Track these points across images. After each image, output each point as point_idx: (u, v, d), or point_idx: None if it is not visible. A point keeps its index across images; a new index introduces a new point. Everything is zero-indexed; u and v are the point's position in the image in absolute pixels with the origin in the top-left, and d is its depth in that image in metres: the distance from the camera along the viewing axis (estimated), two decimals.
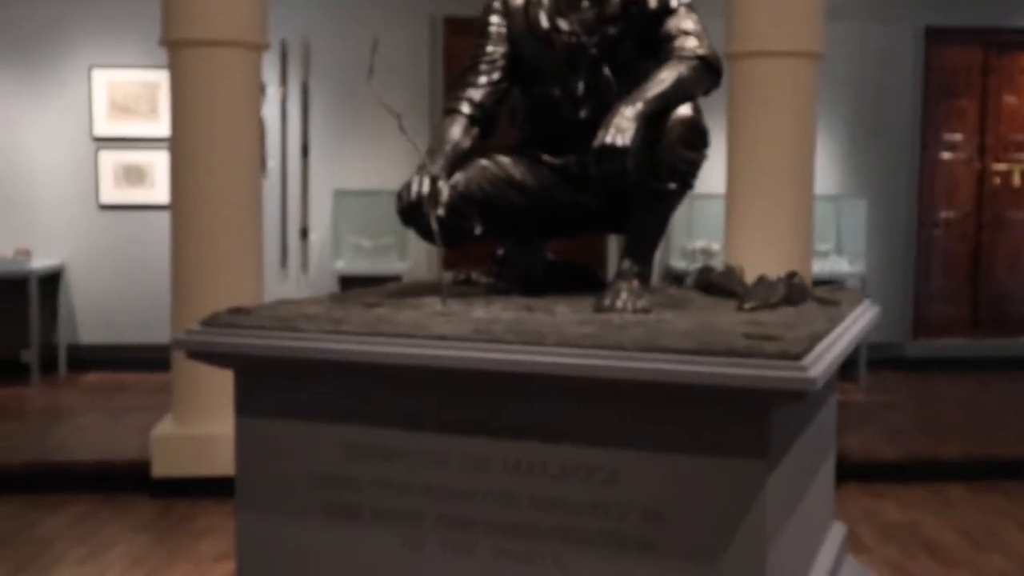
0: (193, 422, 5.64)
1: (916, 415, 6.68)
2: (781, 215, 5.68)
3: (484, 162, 2.94)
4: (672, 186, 2.79)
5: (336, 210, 8.33)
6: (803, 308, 2.89)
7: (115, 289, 8.49)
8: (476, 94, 2.99)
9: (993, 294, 8.85)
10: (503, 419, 2.46)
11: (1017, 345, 8.72)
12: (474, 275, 3.34)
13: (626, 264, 2.85)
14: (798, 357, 2.22)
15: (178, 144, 5.64)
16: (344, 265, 8.19)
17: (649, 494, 2.37)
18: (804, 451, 2.77)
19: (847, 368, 6.25)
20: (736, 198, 5.83)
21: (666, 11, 2.88)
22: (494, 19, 3.05)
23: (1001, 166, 8.80)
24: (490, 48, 3.03)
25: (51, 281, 8.32)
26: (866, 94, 8.60)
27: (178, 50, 5.57)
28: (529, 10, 2.99)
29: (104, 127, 8.42)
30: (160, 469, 5.56)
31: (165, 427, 5.73)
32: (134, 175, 8.46)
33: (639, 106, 2.69)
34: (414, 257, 8.29)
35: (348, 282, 7.56)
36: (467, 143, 2.94)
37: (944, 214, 8.82)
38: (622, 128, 2.65)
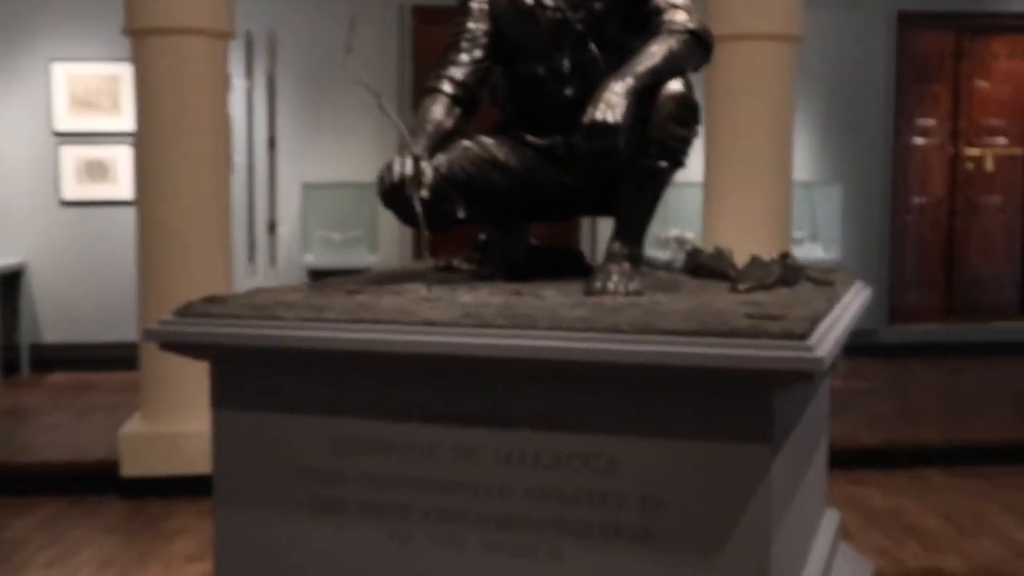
0: (163, 420, 5.50)
1: (894, 401, 6.65)
2: (759, 201, 5.62)
3: (466, 143, 2.83)
4: (663, 164, 2.70)
5: (304, 203, 8.20)
6: (799, 289, 2.81)
7: (78, 287, 8.31)
8: (458, 73, 2.89)
9: (966, 280, 8.85)
10: (494, 407, 2.36)
11: (990, 330, 8.72)
12: (455, 262, 3.23)
13: (616, 246, 2.76)
14: (803, 336, 2.13)
15: (143, 137, 5.50)
16: (313, 259, 8.06)
17: (648, 482, 2.28)
18: (802, 436, 2.69)
19: None
20: (714, 184, 5.75)
21: None
22: None
23: (974, 151, 8.79)
24: (472, 25, 2.92)
25: (12, 280, 8.13)
26: (839, 80, 8.56)
27: (142, 39, 5.43)
28: None
29: (65, 122, 8.24)
30: (130, 469, 5.42)
31: (134, 425, 5.58)
32: (96, 170, 8.28)
33: (629, 81, 2.59)
34: (384, 250, 8.17)
35: (317, 276, 7.43)
36: (449, 123, 2.84)
37: (917, 200, 8.80)
38: (612, 104, 2.56)
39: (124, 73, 7.68)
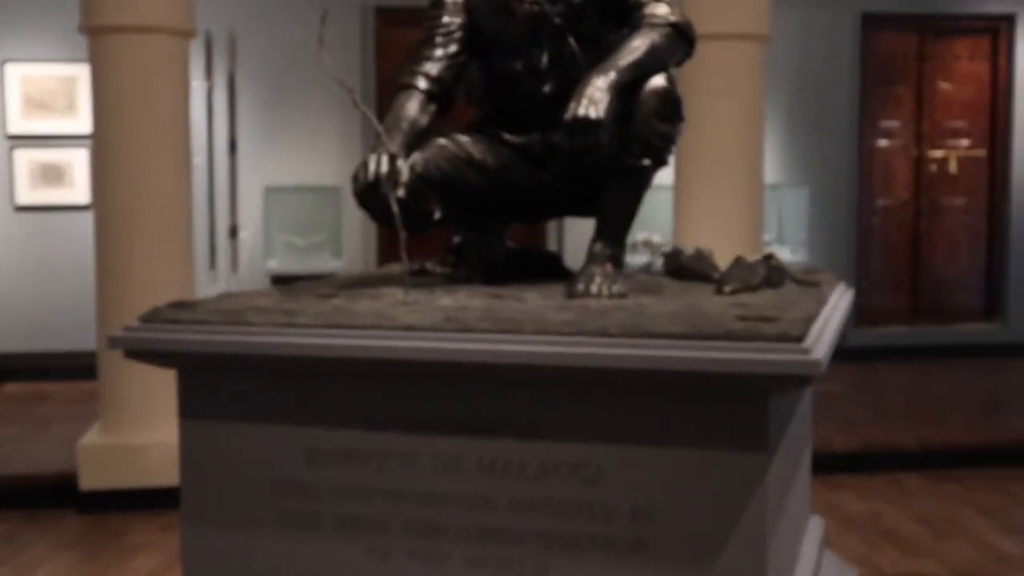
0: (122, 431, 5.35)
1: (865, 405, 6.61)
2: (731, 203, 5.56)
3: (442, 141, 2.74)
4: (646, 162, 2.62)
5: (266, 208, 8.06)
6: (784, 290, 2.73)
7: (33, 295, 8.11)
8: (433, 68, 2.79)
9: (932, 282, 8.85)
10: (476, 415, 2.27)
11: (955, 332, 8.73)
12: (429, 265, 3.13)
13: (598, 247, 2.67)
14: (800, 339, 2.05)
15: (101, 139, 5.35)
16: (276, 264, 7.93)
17: (638, 492, 2.19)
18: (792, 441, 2.62)
19: None
20: (685, 186, 5.69)
21: None
22: None
23: (937, 153, 8.81)
24: (446, 19, 2.83)
25: None
26: (804, 82, 8.55)
27: (99, 37, 5.28)
28: None
29: (19, 124, 8.05)
30: (88, 482, 5.26)
31: (92, 437, 5.43)
32: (52, 174, 8.10)
33: (612, 76, 2.51)
34: (349, 255, 8.04)
35: (280, 282, 7.26)
36: (424, 120, 2.74)
37: (882, 202, 8.80)
38: (595, 99, 2.47)
39: (80, 74, 7.51)
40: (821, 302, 2.56)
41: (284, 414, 2.37)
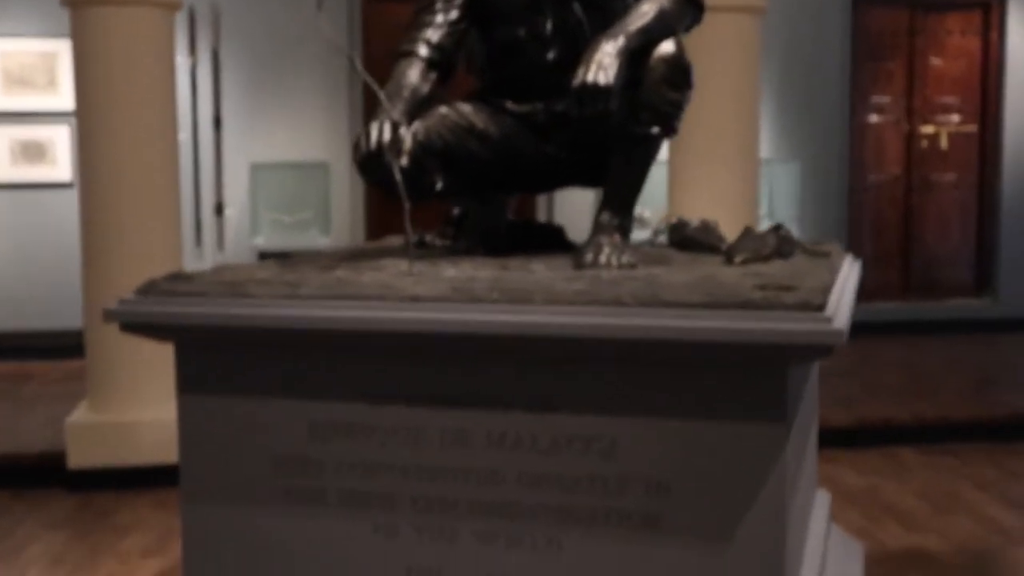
0: (111, 409, 5.27)
1: (859, 380, 6.57)
2: (726, 178, 5.49)
3: (443, 110, 2.67)
4: (654, 130, 2.56)
5: (253, 184, 7.95)
6: (795, 260, 2.68)
7: (16, 274, 8.00)
8: (433, 35, 2.71)
9: (923, 258, 8.82)
10: (486, 388, 2.21)
11: (946, 308, 8.70)
12: (427, 237, 3.07)
13: (605, 217, 2.61)
14: (821, 308, 2.00)
15: (85, 115, 5.24)
16: (263, 241, 7.84)
17: (653, 465, 2.13)
18: (804, 414, 2.57)
19: None
20: (680, 159, 5.62)
21: None
22: None
23: (928, 128, 8.76)
24: None
25: None
26: (795, 57, 8.48)
27: (81, 10, 5.17)
28: None
29: None
30: (76, 460, 5.18)
31: (80, 415, 5.34)
32: (33, 152, 7.97)
33: (621, 41, 2.45)
34: (337, 231, 7.95)
35: (268, 259, 7.21)
36: (425, 88, 2.67)
37: (873, 178, 8.76)
38: (604, 65, 2.41)
39: (60, 49, 7.38)
40: (834, 272, 2.51)
41: (286, 388, 2.31)
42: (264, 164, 7.97)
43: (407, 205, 2.41)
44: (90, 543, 4.38)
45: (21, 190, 7.97)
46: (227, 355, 2.33)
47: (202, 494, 2.38)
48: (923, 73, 8.71)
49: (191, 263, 7.64)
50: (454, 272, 2.40)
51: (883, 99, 8.71)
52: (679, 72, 2.54)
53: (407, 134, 2.50)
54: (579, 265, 2.48)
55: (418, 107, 2.62)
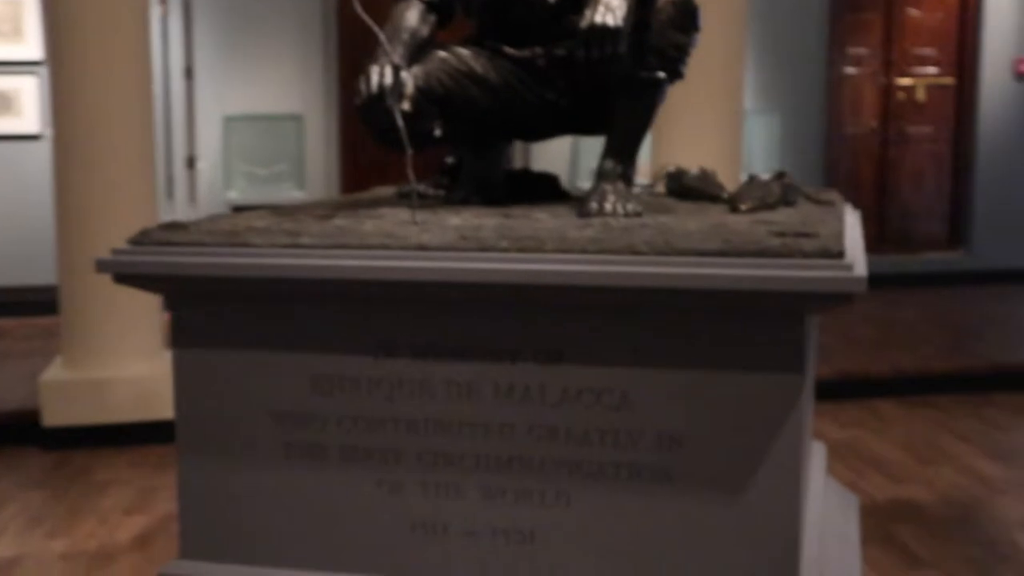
0: (86, 366, 5.17)
1: (837, 333, 6.58)
2: (711, 130, 5.44)
3: (442, 54, 2.59)
4: (661, 75, 2.50)
5: (225, 137, 7.82)
6: (802, 208, 2.64)
7: None
8: None
9: (898, 211, 8.83)
10: (494, 339, 2.15)
11: (921, 261, 8.72)
12: (420, 187, 2.99)
13: (608, 164, 2.55)
14: (841, 255, 1.95)
15: (57, 65, 5.10)
16: (236, 195, 7.72)
17: (666, 418, 2.09)
18: (810, 366, 2.53)
19: None
20: (664, 112, 5.54)
21: None
22: None
23: (905, 81, 8.74)
24: None
25: None
26: (773, 7, 8.40)
27: None
28: None
29: None
30: (52, 418, 5.09)
31: (55, 372, 5.24)
32: None
33: None
34: (312, 185, 7.85)
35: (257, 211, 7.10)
36: (425, 31, 2.59)
37: (851, 130, 8.73)
38: (612, 6, 2.34)
39: None
40: (841, 220, 2.47)
41: (287, 340, 2.24)
42: (237, 116, 7.84)
43: (409, 151, 2.34)
44: (68, 502, 4.31)
45: None
46: (225, 307, 2.26)
47: (199, 450, 2.32)
48: (901, 24, 8.67)
49: (163, 217, 7.52)
50: (459, 220, 2.33)
51: (860, 51, 8.66)
52: (687, 14, 2.48)
53: (408, 78, 2.43)
54: (584, 213, 2.42)
55: (418, 50, 2.54)
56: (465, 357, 2.16)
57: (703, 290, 1.96)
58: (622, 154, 2.56)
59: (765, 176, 2.75)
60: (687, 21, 2.47)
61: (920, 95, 8.74)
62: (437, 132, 2.55)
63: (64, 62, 5.05)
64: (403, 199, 2.85)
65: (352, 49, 7.68)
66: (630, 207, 2.43)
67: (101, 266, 2.25)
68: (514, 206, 2.63)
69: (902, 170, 8.83)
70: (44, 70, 5.19)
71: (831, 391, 5.56)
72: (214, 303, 2.26)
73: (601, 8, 2.33)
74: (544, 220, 2.36)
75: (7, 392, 5.58)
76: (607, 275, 1.99)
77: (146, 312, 5.00)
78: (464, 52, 2.62)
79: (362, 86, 2.39)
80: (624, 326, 2.09)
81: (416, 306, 2.17)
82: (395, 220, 2.36)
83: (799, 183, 2.83)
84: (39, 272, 6.55)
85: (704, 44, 5.51)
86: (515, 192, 2.82)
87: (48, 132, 5.23)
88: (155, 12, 7.64)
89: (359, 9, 2.43)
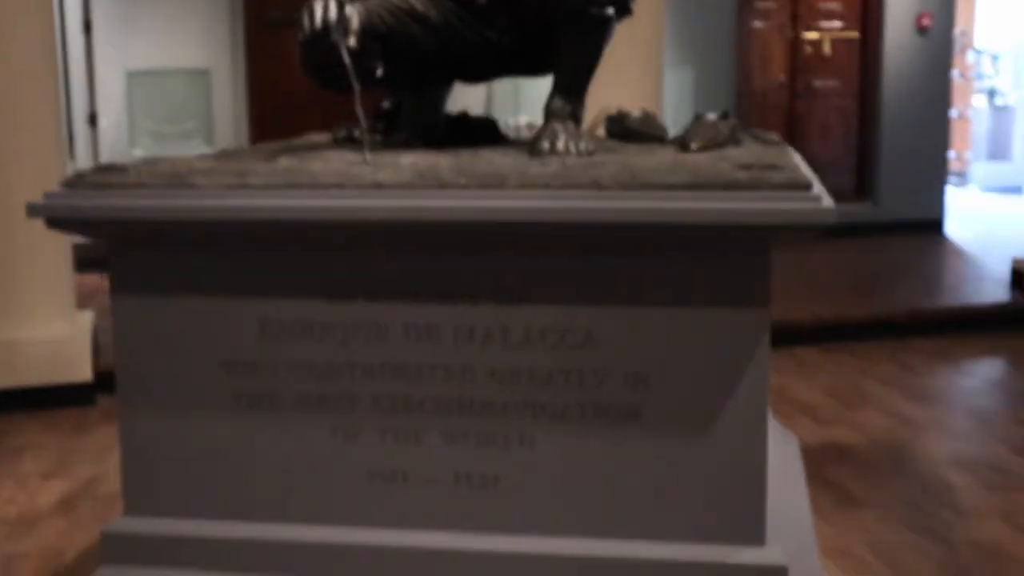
0: None
1: None
2: (630, 85, 5.40)
3: None
4: (609, 11, 2.44)
5: (129, 93, 7.56)
6: (751, 147, 2.61)
7: None
8: None
9: (806, 163, 8.91)
10: (453, 280, 2.10)
11: None
12: (356, 132, 2.90)
13: (557, 103, 2.49)
14: (809, 187, 1.93)
15: None
16: (142, 153, 7.47)
17: (631, 357, 2.06)
18: None
19: None
20: None
21: None
22: None
23: (812, 35, 8.82)
24: None
25: None
26: None
27: None
28: None
29: None
30: None
31: None
32: None
33: None
34: (221, 143, 7.62)
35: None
36: None
37: (760, 83, 8.79)
38: None
39: None
40: (794, 157, 2.46)
41: (234, 285, 2.16)
42: (140, 71, 7.57)
43: (357, 88, 2.25)
44: None
45: None
46: (168, 251, 2.16)
47: (143, 401, 2.22)
48: None
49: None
50: (411, 159, 2.26)
51: (768, 4, 8.71)
52: None
53: (354, 12, 2.33)
54: (536, 152, 2.36)
55: None
56: (423, 299, 2.10)
57: (671, 224, 1.92)
58: (571, 93, 2.50)
59: (711, 116, 2.72)
60: None
61: (826, 49, 8.83)
62: (379, 71, 2.46)
63: None
64: (342, 144, 2.76)
65: (260, 0, 7.48)
66: (582, 146, 2.38)
67: (33, 210, 2.13)
68: (458, 149, 2.56)
69: (810, 123, 8.93)
70: None
71: None
72: (157, 247, 2.16)
73: None
74: (497, 159, 2.29)
75: None
76: (572, 211, 1.94)
77: (58, 272, 4.81)
78: None
79: (305, 21, 2.29)
80: (588, 264, 2.05)
81: (371, 247, 2.10)
82: (344, 160, 2.27)
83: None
84: None
85: None
86: (455, 136, 2.75)
87: None
88: None
89: None
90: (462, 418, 2.12)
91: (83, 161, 7.54)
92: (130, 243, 2.17)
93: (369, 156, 2.26)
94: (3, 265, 4.73)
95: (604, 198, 1.94)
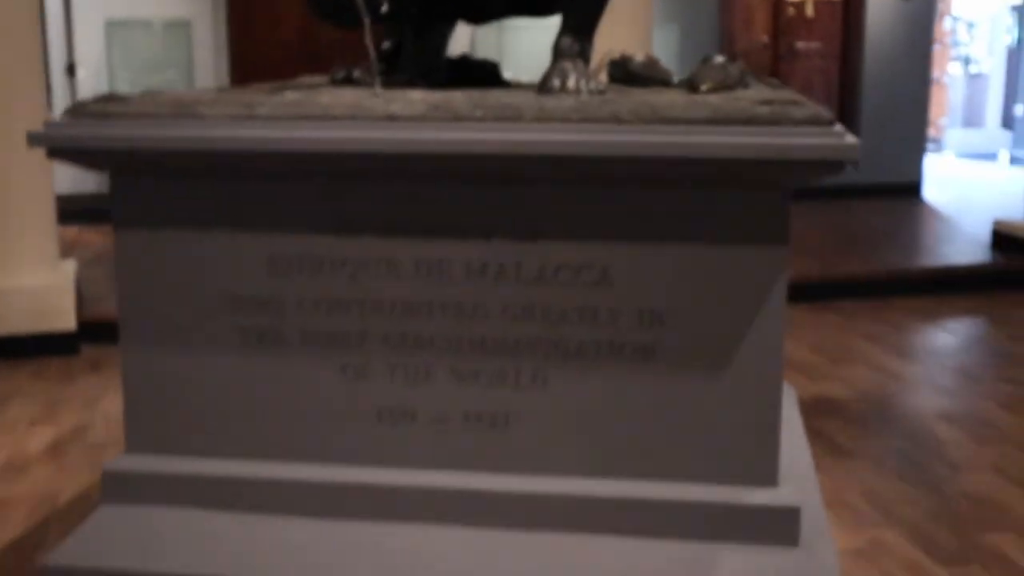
0: None
1: None
2: (618, 40, 5.35)
3: None
4: None
5: (108, 43, 7.43)
6: (760, 89, 2.58)
7: None
8: None
9: None
10: (467, 215, 2.06)
11: None
12: (356, 73, 2.85)
13: (566, 42, 2.44)
14: (832, 122, 1.91)
15: None
16: None
17: (647, 294, 2.04)
18: None
19: None
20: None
21: None
22: None
23: None
24: None
25: None
26: None
27: None
28: None
29: None
30: None
31: None
32: None
33: None
34: None
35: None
36: None
37: (743, 45, 8.76)
38: None
39: None
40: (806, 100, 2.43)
41: (242, 219, 2.11)
42: (120, 21, 7.45)
43: (367, 21, 2.20)
44: None
45: None
46: (173, 184, 2.11)
47: (146, 338, 2.18)
48: None
49: None
50: (421, 94, 2.21)
51: None
52: None
53: None
54: (545, 91, 2.31)
55: None
56: (435, 234, 2.07)
57: (693, 159, 1.89)
58: (580, 31, 2.46)
59: (719, 58, 2.68)
60: None
61: (809, 11, 8.81)
62: (384, 7, 2.41)
63: None
64: (340, 85, 2.71)
65: None
66: (592, 85, 2.34)
67: (34, 140, 2.08)
68: (465, 89, 2.51)
69: (792, 84, 8.84)
70: None
71: None
72: (162, 180, 2.11)
73: None
74: (508, 96, 2.25)
75: None
76: (592, 144, 1.91)
77: (41, 221, 4.74)
78: None
79: None
80: (604, 200, 2.02)
81: (383, 180, 2.06)
82: (353, 94, 2.23)
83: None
84: None
85: None
86: (458, 78, 2.70)
87: None
88: None
89: None
90: (473, 356, 2.09)
91: (61, 112, 7.42)
92: (133, 175, 2.12)
93: (379, 89, 2.22)
94: None
95: (624, 132, 1.91)
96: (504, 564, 2.02)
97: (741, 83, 2.57)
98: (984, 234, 6.86)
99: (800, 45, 8.88)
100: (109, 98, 2.16)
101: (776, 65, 8.83)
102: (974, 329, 5.51)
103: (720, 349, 2.02)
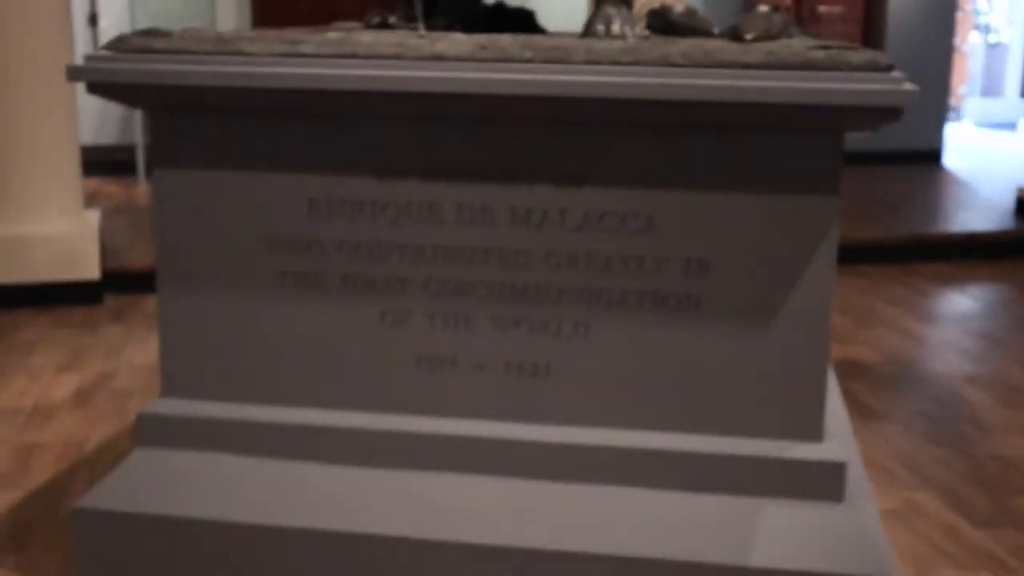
0: (3, 223, 4.85)
1: None
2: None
3: None
4: None
5: None
6: (805, 39, 2.53)
7: None
8: None
9: None
10: (512, 160, 2.02)
11: None
12: (392, 19, 2.80)
13: None
14: (891, 68, 1.87)
15: None
16: None
17: (693, 243, 2.00)
18: None
19: None
20: None
21: None
22: None
23: None
24: None
25: None
26: None
27: None
28: None
29: None
30: None
31: None
32: None
33: None
34: None
35: None
36: None
37: (764, 8, 8.64)
38: None
39: None
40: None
41: (283, 160, 2.08)
42: None
43: None
44: None
45: None
46: (214, 122, 2.08)
47: (184, 280, 2.15)
48: None
49: None
50: (465, 37, 2.17)
51: None
52: None
53: None
54: (589, 35, 2.27)
55: None
56: (479, 179, 2.03)
57: (747, 103, 1.85)
58: None
59: (763, 7, 2.64)
60: None
61: None
62: None
63: None
64: (371, 29, 2.67)
65: None
66: (637, 30, 2.30)
67: (74, 73, 2.04)
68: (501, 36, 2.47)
69: None
70: None
71: None
72: (202, 118, 2.08)
73: None
74: (554, 40, 2.21)
75: None
76: (644, 87, 1.87)
77: (66, 169, 4.71)
78: None
79: None
80: (651, 146, 1.98)
81: (427, 122, 2.02)
82: (397, 34, 2.18)
83: None
84: None
85: None
86: (495, 26, 2.66)
87: None
88: None
89: None
90: (515, 304, 2.06)
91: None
92: (172, 113, 2.09)
93: (423, 30, 2.18)
94: (11, 161, 4.62)
95: (678, 75, 1.87)
96: (541, 515, 2.00)
97: (785, 33, 2.53)
98: (1006, 202, 6.80)
99: (822, 9, 8.77)
100: (151, 33, 2.12)
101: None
102: (998, 295, 5.46)
103: (767, 301, 1.98)
